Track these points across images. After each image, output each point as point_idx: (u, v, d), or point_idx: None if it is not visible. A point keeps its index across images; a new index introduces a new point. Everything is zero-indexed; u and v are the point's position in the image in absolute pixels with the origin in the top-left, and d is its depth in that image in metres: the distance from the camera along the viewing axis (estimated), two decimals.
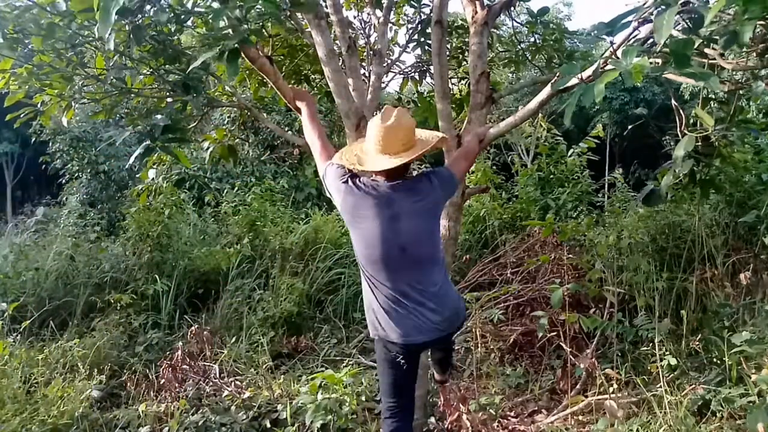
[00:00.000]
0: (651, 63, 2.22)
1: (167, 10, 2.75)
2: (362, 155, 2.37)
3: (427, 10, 4.48)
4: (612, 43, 2.39)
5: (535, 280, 5.34)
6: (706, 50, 2.66)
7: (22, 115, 3.54)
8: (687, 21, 2.56)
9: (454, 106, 4.35)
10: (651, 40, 2.72)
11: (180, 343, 4.82)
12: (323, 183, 2.57)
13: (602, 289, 4.61)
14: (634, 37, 2.51)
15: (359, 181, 2.42)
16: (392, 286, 2.36)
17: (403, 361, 2.47)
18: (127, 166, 12.50)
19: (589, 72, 2.35)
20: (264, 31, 3.46)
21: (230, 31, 2.49)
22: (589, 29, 20.12)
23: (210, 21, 2.79)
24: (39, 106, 3.55)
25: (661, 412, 3.54)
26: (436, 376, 3.27)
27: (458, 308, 2.51)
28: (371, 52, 4.17)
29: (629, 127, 11.17)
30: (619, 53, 2.22)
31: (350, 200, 2.40)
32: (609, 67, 2.21)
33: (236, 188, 9.05)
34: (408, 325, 2.38)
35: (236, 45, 2.43)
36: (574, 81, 2.42)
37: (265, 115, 6.82)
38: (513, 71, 5.43)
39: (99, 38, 2.83)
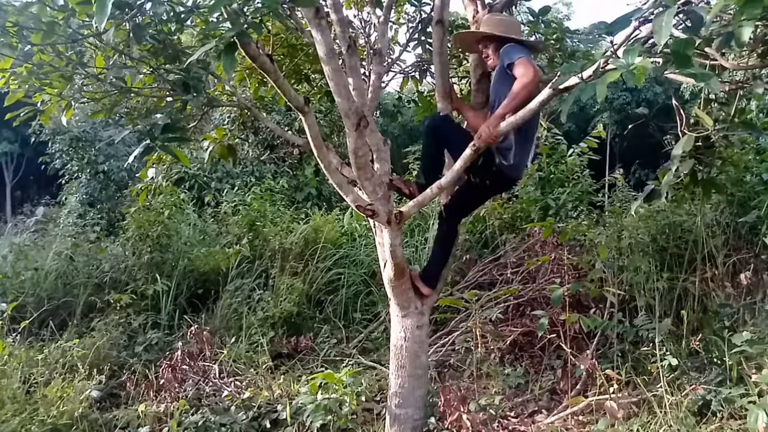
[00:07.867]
0: (652, 63, 2.21)
1: (165, 2, 2.73)
2: None
3: (427, 9, 4.47)
4: (612, 42, 2.37)
5: (535, 280, 5.34)
6: (707, 49, 2.64)
7: (21, 114, 3.52)
8: (686, 21, 2.55)
9: None
10: (652, 39, 2.70)
11: (180, 344, 4.82)
12: None
13: (602, 289, 4.61)
14: (634, 37, 2.49)
15: None
16: None
17: None
18: (126, 165, 12.50)
19: (589, 72, 2.34)
20: (264, 27, 3.45)
21: (228, 25, 2.47)
22: (588, 29, 20.08)
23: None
24: (39, 105, 3.54)
25: (661, 413, 3.53)
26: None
27: None
28: (371, 52, 4.15)
29: (630, 126, 11.13)
30: (619, 53, 2.21)
31: None
32: (610, 66, 2.20)
33: (236, 188, 9.03)
34: None
35: (234, 38, 2.41)
36: (574, 80, 2.41)
37: (265, 114, 6.80)
38: None
39: (98, 34, 2.81)
